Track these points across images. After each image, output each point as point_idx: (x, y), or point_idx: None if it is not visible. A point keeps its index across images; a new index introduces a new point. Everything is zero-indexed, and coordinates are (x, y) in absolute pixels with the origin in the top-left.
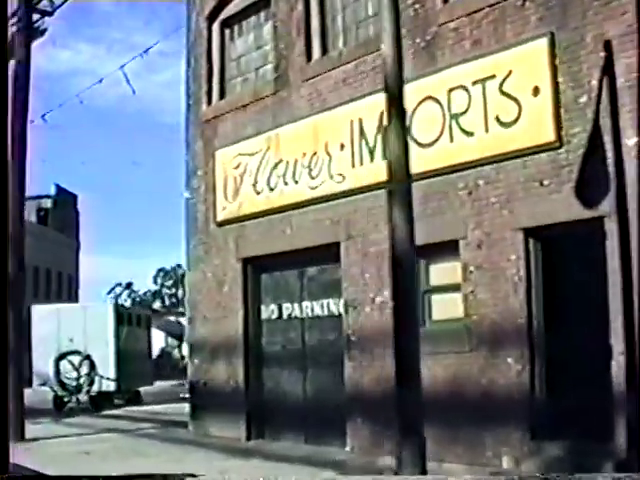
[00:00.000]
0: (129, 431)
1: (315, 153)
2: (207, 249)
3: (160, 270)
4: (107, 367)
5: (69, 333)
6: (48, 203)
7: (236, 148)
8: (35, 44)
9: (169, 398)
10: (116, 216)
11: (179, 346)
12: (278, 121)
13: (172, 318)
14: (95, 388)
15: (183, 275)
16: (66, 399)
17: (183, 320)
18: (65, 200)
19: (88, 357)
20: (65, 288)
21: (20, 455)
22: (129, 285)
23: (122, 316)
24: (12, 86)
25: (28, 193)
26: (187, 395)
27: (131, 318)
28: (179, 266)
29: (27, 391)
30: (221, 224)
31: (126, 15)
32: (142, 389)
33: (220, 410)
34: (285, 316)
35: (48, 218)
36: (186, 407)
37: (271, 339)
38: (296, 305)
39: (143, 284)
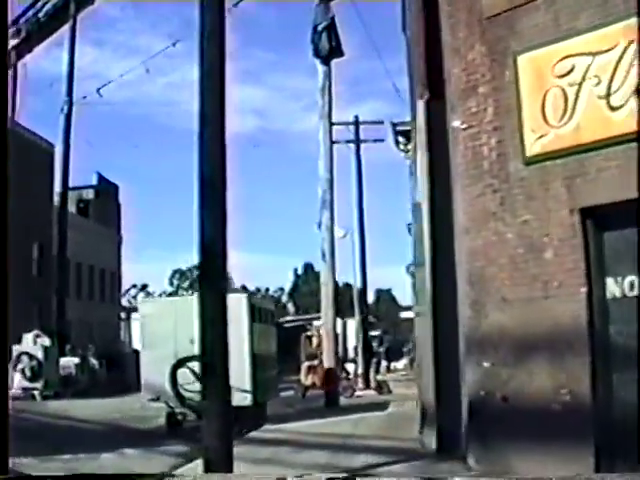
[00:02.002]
0: (369, 468)
1: None
2: (504, 199)
3: (176, 271)
4: (240, 376)
5: (190, 333)
6: (90, 194)
7: (561, 47)
8: (82, 15)
9: (287, 412)
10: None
11: None
12: None
13: None
14: None
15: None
16: (180, 417)
17: None
18: (107, 190)
19: None
20: (108, 288)
21: None
22: (144, 287)
23: (255, 310)
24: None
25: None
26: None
27: (261, 313)
28: (196, 267)
29: (131, 403)
30: (533, 160)
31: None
32: None
33: (534, 435)
34: None
35: (89, 210)
36: (346, 424)
37: (627, 328)
38: None
39: (160, 286)
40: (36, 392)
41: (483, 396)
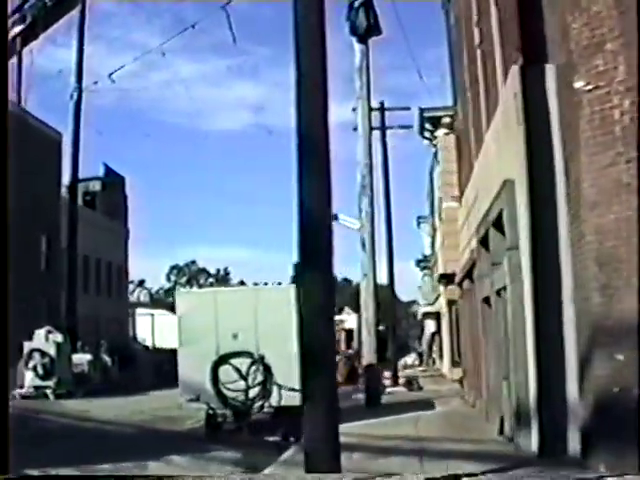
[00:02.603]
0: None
1: None
2: None
3: (173, 267)
4: (288, 373)
5: (232, 327)
6: (96, 185)
7: None
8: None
9: None
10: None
11: None
12: None
13: None
14: (272, 402)
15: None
16: (219, 419)
17: None
18: (114, 183)
19: (262, 360)
20: (115, 282)
21: None
22: (142, 282)
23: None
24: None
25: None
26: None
27: None
28: (193, 262)
29: (152, 402)
30: None
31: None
32: None
33: None
34: None
35: (96, 202)
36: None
37: None
38: None
39: (157, 282)
40: (48, 391)
41: (616, 393)
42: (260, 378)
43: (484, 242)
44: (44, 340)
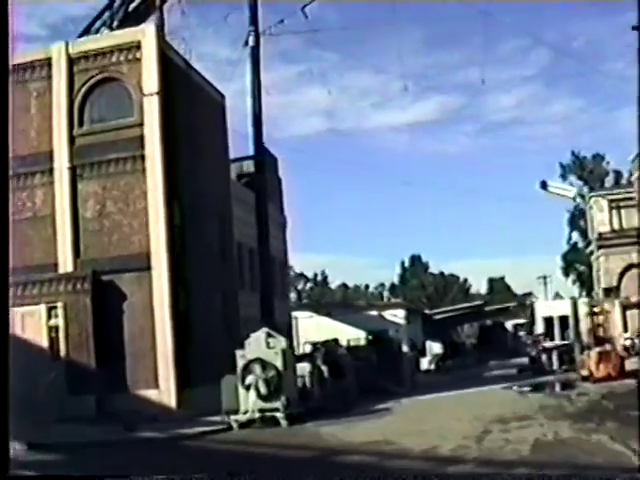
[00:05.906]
0: None
1: None
2: None
3: None
4: None
5: None
6: (250, 166)
7: None
8: None
9: None
10: None
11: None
12: None
13: (374, 312)
14: None
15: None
16: None
17: (388, 314)
18: (268, 163)
19: None
20: (277, 279)
21: None
22: None
23: None
24: None
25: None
26: None
27: None
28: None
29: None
30: None
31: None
32: None
33: None
34: None
35: (253, 185)
36: None
37: None
38: None
39: None
40: (279, 414)
41: None
42: None
43: None
44: (265, 347)
